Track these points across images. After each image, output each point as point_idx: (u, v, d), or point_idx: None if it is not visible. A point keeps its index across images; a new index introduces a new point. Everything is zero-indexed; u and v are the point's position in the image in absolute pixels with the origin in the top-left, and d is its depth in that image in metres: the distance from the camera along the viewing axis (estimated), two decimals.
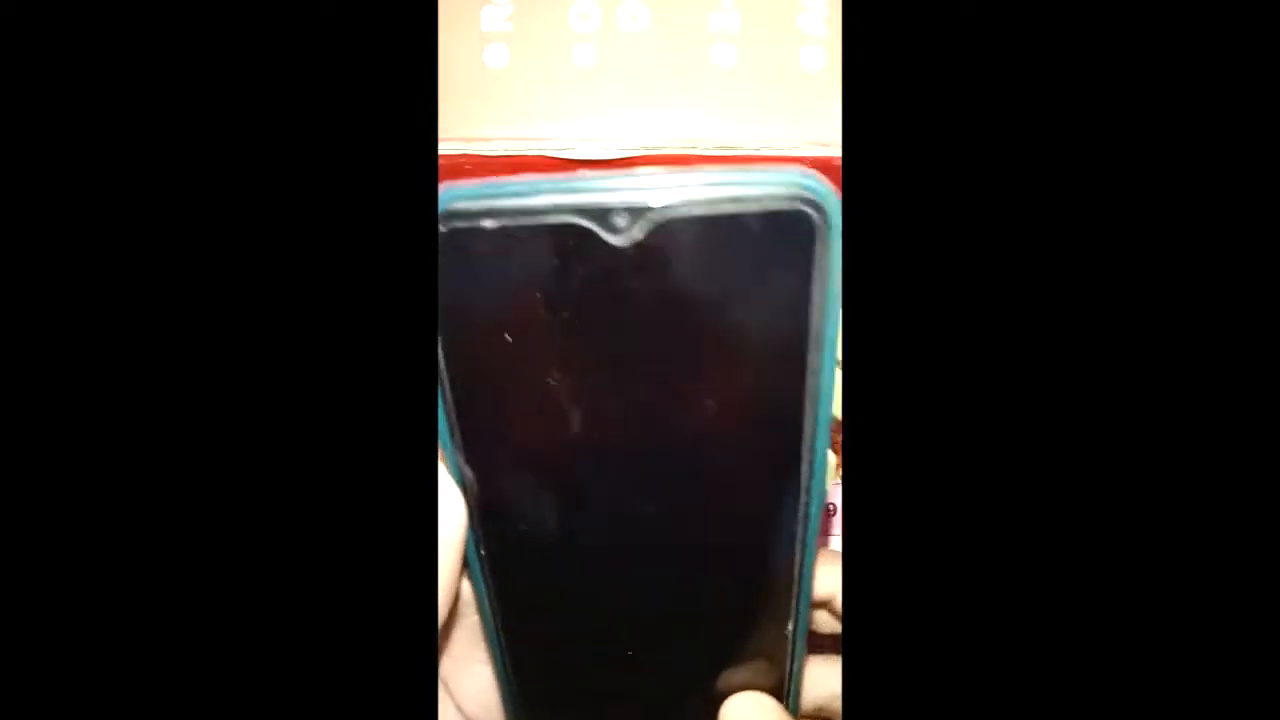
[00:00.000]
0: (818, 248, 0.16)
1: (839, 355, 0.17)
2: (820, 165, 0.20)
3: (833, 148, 0.20)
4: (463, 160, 0.20)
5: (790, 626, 0.21)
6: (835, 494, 0.34)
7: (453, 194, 0.16)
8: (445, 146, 0.19)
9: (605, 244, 0.16)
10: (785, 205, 0.16)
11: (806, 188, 0.16)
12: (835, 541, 0.34)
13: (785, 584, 0.21)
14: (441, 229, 0.16)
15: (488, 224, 0.16)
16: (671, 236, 0.16)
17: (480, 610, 0.21)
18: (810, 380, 0.17)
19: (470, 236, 0.16)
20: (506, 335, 0.17)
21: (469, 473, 0.19)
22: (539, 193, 0.16)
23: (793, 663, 0.22)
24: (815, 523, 0.19)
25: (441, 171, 0.20)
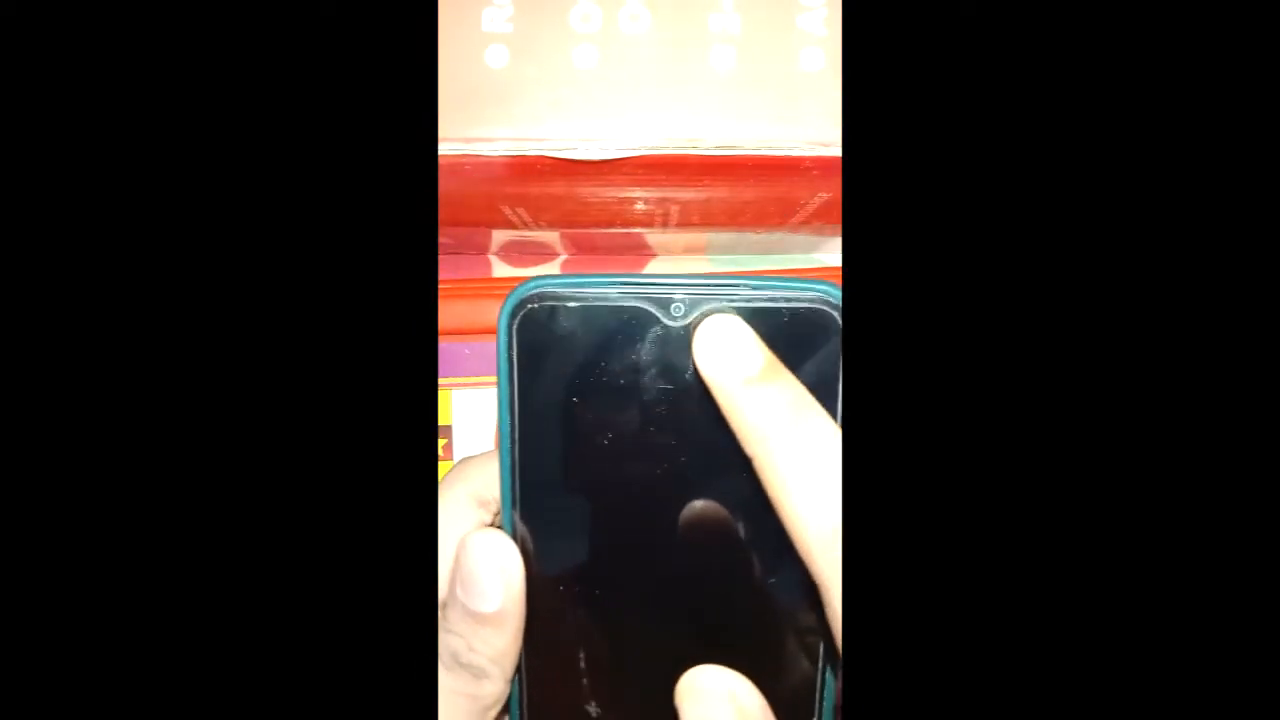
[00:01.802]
0: (839, 343, 0.20)
1: None
2: (820, 165, 0.20)
3: (833, 148, 0.20)
4: (463, 160, 0.20)
5: None
6: None
7: (540, 281, 0.20)
8: (445, 146, 0.19)
9: (663, 325, 0.20)
10: (811, 304, 0.20)
11: (831, 295, 0.20)
12: None
13: (808, 675, 0.21)
14: (530, 306, 0.20)
15: (571, 304, 0.20)
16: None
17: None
18: None
19: (553, 314, 0.20)
20: (574, 398, 0.20)
21: (522, 528, 0.21)
22: (613, 284, 0.20)
23: None
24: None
25: (441, 171, 0.20)
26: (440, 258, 0.36)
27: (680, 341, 0.20)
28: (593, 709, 0.22)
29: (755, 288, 0.20)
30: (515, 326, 0.20)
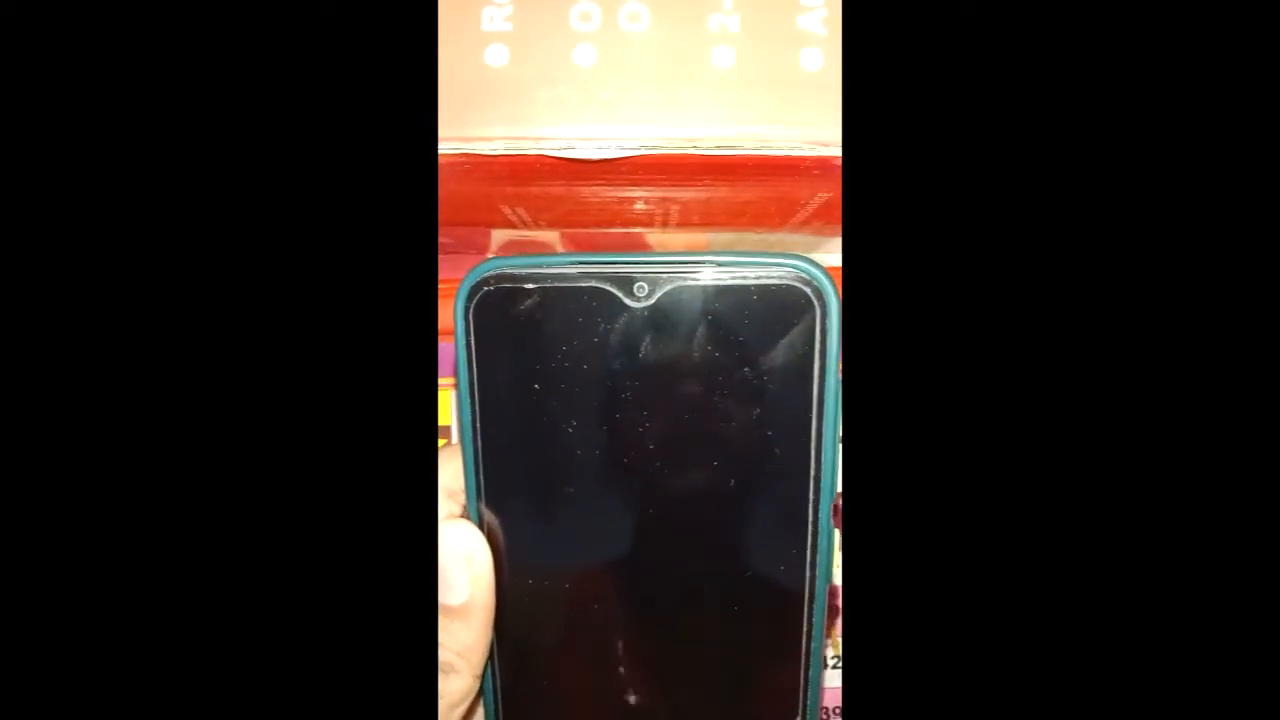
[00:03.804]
0: (815, 322, 0.19)
1: (840, 431, 0.20)
2: (820, 165, 0.20)
3: (833, 148, 0.20)
4: (463, 160, 0.20)
5: None
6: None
7: (497, 262, 0.19)
8: (445, 146, 0.19)
9: (626, 306, 0.19)
10: (783, 280, 0.19)
11: (805, 271, 0.19)
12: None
13: (791, 671, 0.21)
14: (486, 289, 0.19)
15: (530, 286, 0.19)
16: (682, 302, 0.19)
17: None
18: (814, 446, 0.20)
19: (513, 296, 0.19)
20: (535, 383, 0.20)
21: (489, 518, 0.20)
22: (574, 264, 0.19)
23: None
24: (822, 606, 0.20)
25: (441, 171, 0.20)
26: (440, 258, 0.36)
27: (644, 323, 0.19)
28: (572, 700, 0.22)
29: (722, 265, 0.19)
30: (472, 310, 0.19)
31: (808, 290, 0.19)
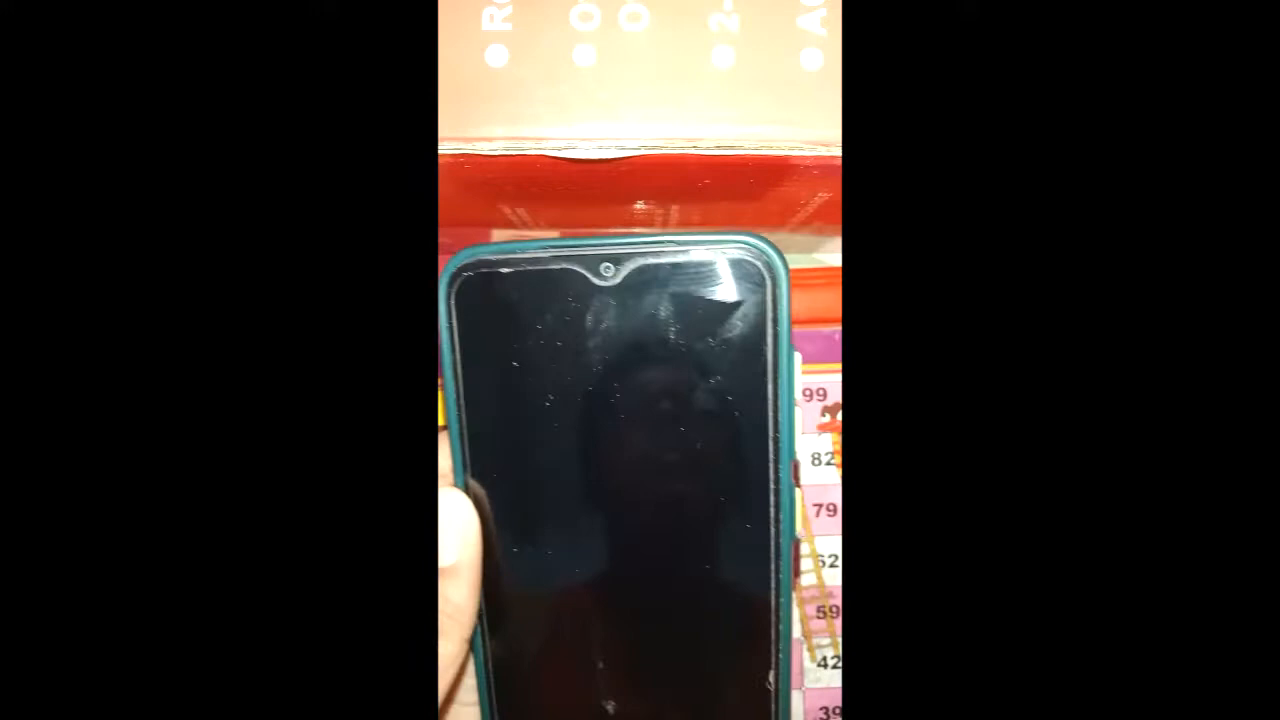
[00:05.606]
0: (767, 292, 0.21)
1: (798, 395, 0.21)
2: (820, 165, 0.20)
3: (833, 148, 0.20)
4: (463, 160, 0.20)
5: (771, 677, 0.22)
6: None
7: (474, 250, 0.21)
8: (445, 146, 0.19)
9: (594, 286, 0.21)
10: (736, 256, 0.21)
11: (755, 246, 0.21)
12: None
13: (762, 623, 0.22)
14: (466, 274, 0.21)
15: (506, 270, 0.21)
16: (646, 279, 0.21)
17: (471, 645, 0.22)
18: (772, 407, 0.21)
19: (488, 281, 0.21)
20: (514, 362, 0.21)
21: (475, 488, 0.22)
22: (544, 248, 0.21)
23: (777, 712, 0.23)
24: (787, 560, 0.22)
25: (441, 171, 0.20)
26: (440, 258, 0.36)
27: (611, 300, 0.21)
28: (559, 663, 0.23)
29: (680, 244, 0.21)
30: (453, 295, 0.21)
31: (759, 264, 0.21)
